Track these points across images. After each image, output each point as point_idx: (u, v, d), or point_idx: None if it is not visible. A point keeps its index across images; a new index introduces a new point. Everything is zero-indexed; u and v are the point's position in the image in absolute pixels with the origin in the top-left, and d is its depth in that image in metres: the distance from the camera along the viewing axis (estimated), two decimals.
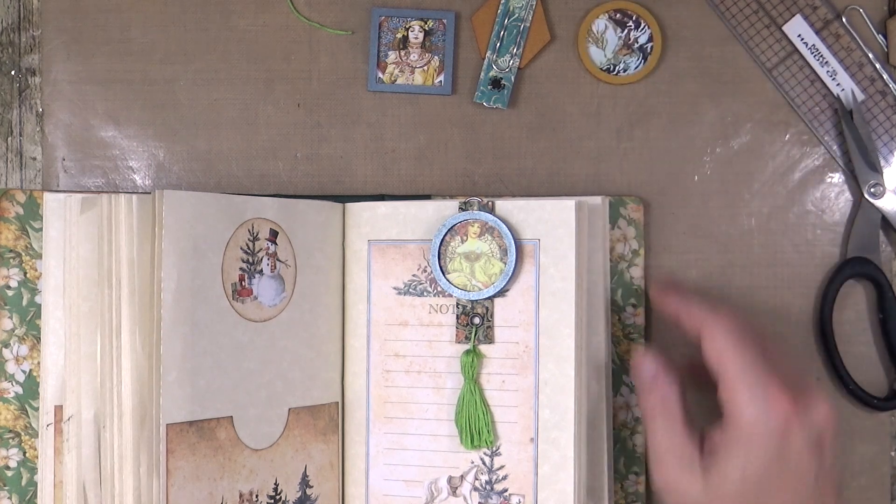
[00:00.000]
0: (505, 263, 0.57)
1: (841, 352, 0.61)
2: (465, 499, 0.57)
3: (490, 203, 0.57)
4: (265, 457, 0.56)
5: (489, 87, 0.62)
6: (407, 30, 0.62)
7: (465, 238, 0.57)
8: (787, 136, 0.63)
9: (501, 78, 0.62)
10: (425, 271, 0.58)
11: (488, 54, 0.62)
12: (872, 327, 0.62)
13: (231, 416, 0.54)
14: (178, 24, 0.63)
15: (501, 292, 0.57)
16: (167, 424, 0.51)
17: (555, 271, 0.56)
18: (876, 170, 0.61)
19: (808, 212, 0.62)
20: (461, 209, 0.57)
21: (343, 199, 0.60)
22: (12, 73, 0.63)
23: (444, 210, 0.58)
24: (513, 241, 0.56)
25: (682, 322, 0.53)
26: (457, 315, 0.58)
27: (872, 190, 0.61)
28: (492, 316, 0.57)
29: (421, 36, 0.62)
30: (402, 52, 0.62)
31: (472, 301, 0.57)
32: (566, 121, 0.63)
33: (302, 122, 0.63)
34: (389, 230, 0.59)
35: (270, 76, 0.63)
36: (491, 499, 0.57)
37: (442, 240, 0.58)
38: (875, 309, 0.62)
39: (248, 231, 0.55)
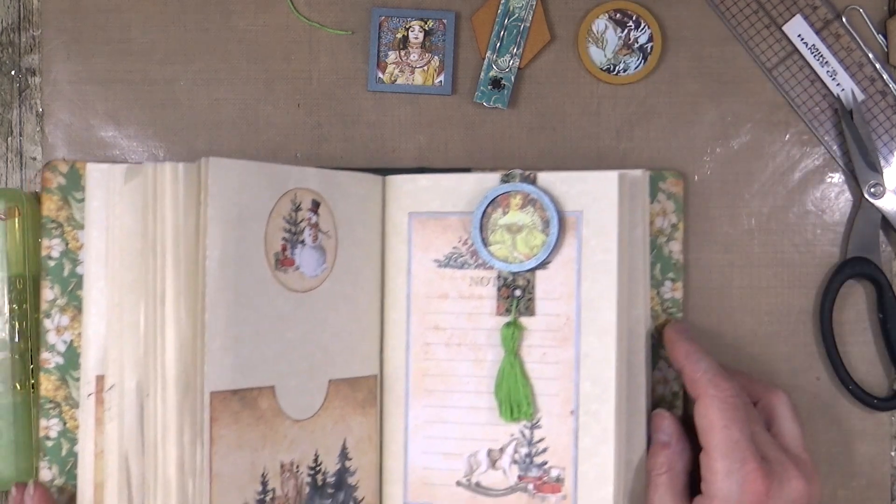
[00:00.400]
0: (547, 235, 0.56)
1: (841, 352, 0.61)
2: (504, 472, 0.57)
3: (532, 175, 0.57)
4: (306, 428, 0.55)
5: (489, 87, 0.62)
6: (407, 30, 0.62)
7: (506, 210, 0.57)
8: (787, 136, 0.63)
9: (501, 78, 0.62)
10: (466, 244, 0.58)
11: (488, 54, 0.62)
12: (872, 327, 0.62)
13: (273, 386, 0.54)
14: (178, 24, 0.63)
15: (543, 264, 0.57)
16: (211, 392, 0.51)
17: (597, 243, 0.56)
18: (876, 170, 0.61)
19: (808, 212, 0.62)
20: (503, 181, 0.57)
21: (383, 171, 0.60)
22: (12, 73, 0.63)
23: (485, 182, 0.58)
24: (555, 213, 0.56)
25: (683, 376, 0.55)
26: (498, 287, 0.57)
27: (872, 190, 0.61)
28: (533, 288, 0.57)
29: (421, 36, 0.62)
30: (402, 52, 0.62)
31: (514, 273, 0.57)
32: (566, 121, 0.63)
33: (302, 122, 0.63)
34: (430, 202, 0.59)
35: (270, 76, 0.63)
36: (531, 472, 0.57)
37: (483, 212, 0.57)
38: (875, 309, 0.62)
39: (291, 201, 0.55)
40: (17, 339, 0.59)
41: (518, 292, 0.57)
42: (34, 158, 0.63)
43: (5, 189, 0.62)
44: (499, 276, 0.57)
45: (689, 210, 0.62)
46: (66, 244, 0.58)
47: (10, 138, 0.63)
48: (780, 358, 0.62)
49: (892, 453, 0.62)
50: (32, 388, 0.60)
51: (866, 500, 0.62)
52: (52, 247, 0.58)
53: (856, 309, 0.62)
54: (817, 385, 0.62)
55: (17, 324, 0.59)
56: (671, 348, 0.57)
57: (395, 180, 0.59)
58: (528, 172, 0.57)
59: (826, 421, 0.62)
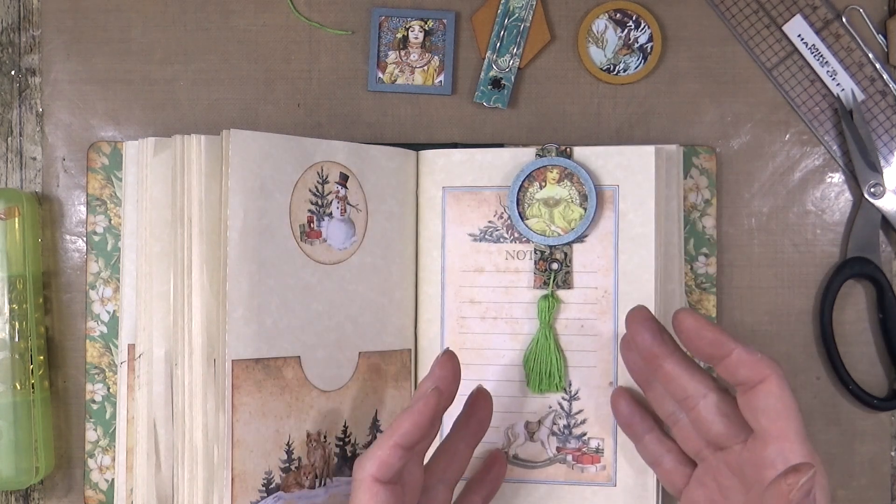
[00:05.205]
0: (584, 209, 0.57)
1: (841, 352, 0.61)
2: (542, 444, 0.57)
3: (568, 149, 0.57)
4: (334, 399, 0.56)
5: (489, 87, 0.62)
6: (407, 30, 0.62)
7: (543, 184, 0.58)
8: (787, 136, 0.63)
9: (501, 78, 0.62)
10: (501, 217, 0.58)
11: (488, 54, 0.62)
12: (872, 327, 0.62)
13: (299, 357, 0.55)
14: (178, 24, 0.63)
15: (581, 238, 0.57)
16: (233, 360, 0.52)
17: (634, 217, 0.57)
18: (876, 170, 0.61)
19: (808, 212, 0.62)
20: (539, 155, 0.58)
21: (416, 146, 0.61)
22: (12, 73, 0.63)
23: (520, 157, 0.58)
24: (593, 187, 0.57)
25: (724, 363, 0.47)
26: (535, 261, 0.58)
27: (872, 190, 0.61)
28: (570, 261, 0.57)
29: (421, 36, 0.62)
30: (402, 52, 0.62)
31: (551, 247, 0.57)
32: (566, 121, 0.63)
33: (302, 122, 0.63)
34: (465, 177, 0.59)
35: (270, 76, 0.63)
36: (569, 443, 0.57)
37: (520, 186, 0.58)
38: (875, 309, 0.62)
39: (318, 174, 0.56)
40: (17, 339, 0.59)
41: (556, 265, 0.57)
42: (34, 158, 0.63)
43: (5, 189, 0.62)
44: (535, 250, 0.58)
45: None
46: (109, 220, 0.61)
47: (10, 138, 0.63)
48: (781, 358, 0.62)
49: (892, 453, 0.62)
50: (32, 388, 0.60)
51: (866, 501, 0.62)
52: (96, 223, 0.61)
53: (856, 309, 0.62)
54: (817, 385, 0.62)
55: (17, 324, 0.59)
56: (696, 335, 0.48)
57: (429, 155, 0.60)
58: (563, 147, 0.57)
59: (826, 421, 0.62)
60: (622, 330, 0.56)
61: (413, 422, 0.47)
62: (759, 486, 0.47)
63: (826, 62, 0.62)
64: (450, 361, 0.50)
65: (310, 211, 0.56)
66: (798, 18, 0.62)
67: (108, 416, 0.60)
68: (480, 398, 0.54)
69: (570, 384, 0.57)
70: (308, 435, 0.55)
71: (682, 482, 0.52)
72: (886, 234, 0.62)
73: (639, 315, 0.51)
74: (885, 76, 0.62)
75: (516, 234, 0.58)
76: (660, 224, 0.57)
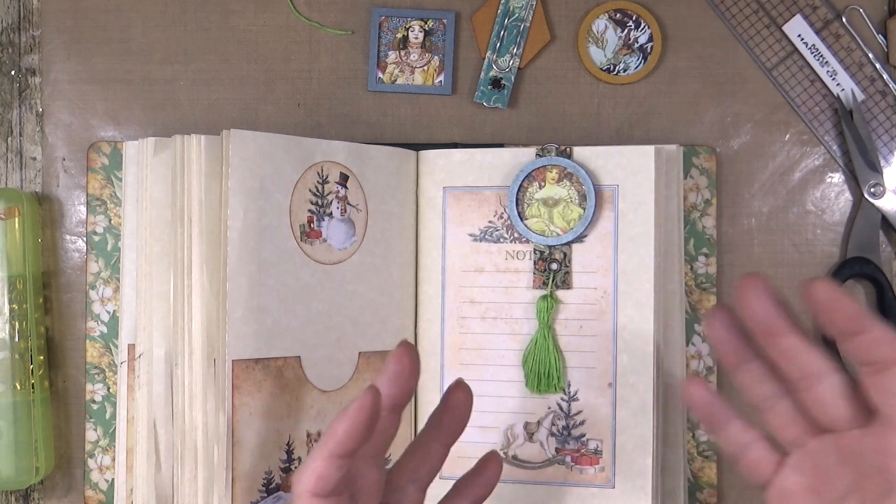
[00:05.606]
0: (583, 209, 0.57)
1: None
2: (541, 444, 0.58)
3: (568, 149, 0.57)
4: (334, 399, 0.56)
5: (489, 87, 0.62)
6: (407, 30, 0.62)
7: (542, 184, 0.58)
8: (787, 136, 0.63)
9: (501, 78, 0.62)
10: (501, 217, 0.58)
11: (488, 54, 0.62)
12: None
13: (299, 357, 0.55)
14: (178, 24, 0.63)
15: (580, 238, 0.57)
16: (233, 360, 0.52)
17: (634, 217, 0.57)
18: (876, 170, 0.61)
19: (808, 212, 0.62)
20: (538, 155, 0.58)
21: (416, 146, 0.61)
22: (12, 73, 0.63)
23: (520, 157, 0.58)
24: (592, 187, 0.57)
25: (853, 341, 0.43)
26: (534, 261, 0.58)
27: (872, 190, 0.61)
28: (570, 261, 0.57)
29: (421, 36, 0.62)
30: (402, 52, 0.62)
31: (550, 246, 0.58)
32: (566, 121, 0.63)
33: (302, 122, 0.63)
34: (465, 177, 0.59)
35: (270, 76, 0.63)
36: (568, 444, 0.57)
37: (519, 186, 0.58)
38: (875, 309, 0.62)
39: (318, 174, 0.56)
40: (17, 339, 0.59)
41: (555, 265, 0.57)
42: (34, 158, 0.63)
43: (5, 189, 0.62)
44: (535, 250, 0.58)
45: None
46: (109, 220, 0.61)
47: (10, 138, 0.63)
48: None
49: None
50: (32, 388, 0.60)
51: None
52: (96, 223, 0.61)
53: None
54: None
55: (17, 324, 0.59)
56: (833, 307, 0.42)
57: (429, 155, 0.60)
58: (563, 147, 0.58)
59: None
60: (622, 330, 0.56)
61: (346, 429, 0.42)
62: (882, 474, 0.43)
63: (826, 62, 0.62)
64: (406, 355, 0.44)
65: (310, 211, 0.56)
66: (798, 18, 0.62)
67: (108, 416, 0.61)
68: (458, 391, 0.48)
69: (569, 385, 0.57)
70: (308, 435, 0.55)
71: (770, 471, 0.47)
72: (886, 234, 0.62)
73: (758, 284, 0.44)
74: (885, 76, 0.62)
75: (516, 235, 0.58)
76: (659, 224, 0.57)
